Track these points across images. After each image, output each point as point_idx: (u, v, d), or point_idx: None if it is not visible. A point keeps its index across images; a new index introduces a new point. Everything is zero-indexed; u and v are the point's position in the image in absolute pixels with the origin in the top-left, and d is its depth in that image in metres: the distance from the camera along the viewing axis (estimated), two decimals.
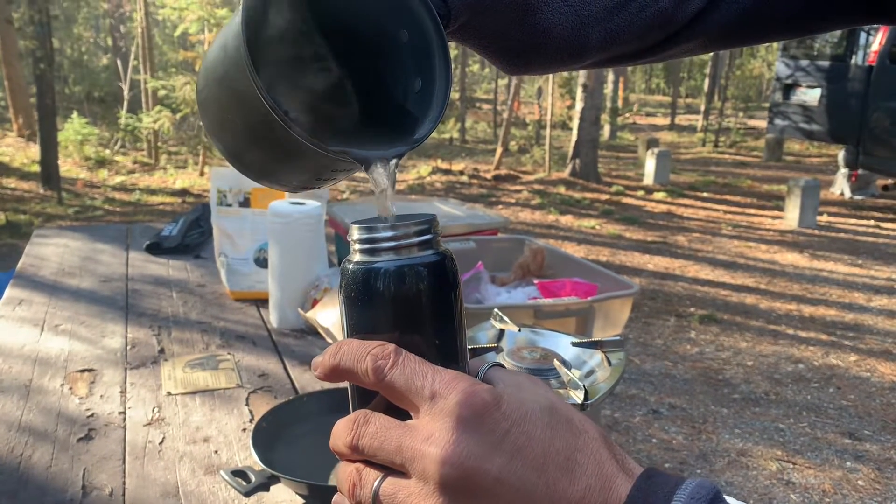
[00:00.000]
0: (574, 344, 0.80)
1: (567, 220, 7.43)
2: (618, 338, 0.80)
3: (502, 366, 0.42)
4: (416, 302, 0.40)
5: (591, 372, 0.76)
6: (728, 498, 0.36)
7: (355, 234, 0.41)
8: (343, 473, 0.39)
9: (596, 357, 0.79)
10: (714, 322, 4.41)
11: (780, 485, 2.67)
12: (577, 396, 0.69)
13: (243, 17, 0.42)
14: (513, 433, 0.35)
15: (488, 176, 9.74)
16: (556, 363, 0.73)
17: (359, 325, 0.41)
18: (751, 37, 0.62)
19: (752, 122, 16.52)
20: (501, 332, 0.84)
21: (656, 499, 0.34)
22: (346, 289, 0.41)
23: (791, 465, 2.82)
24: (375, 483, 0.37)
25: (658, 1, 0.56)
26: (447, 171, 10.03)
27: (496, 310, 0.87)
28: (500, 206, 7.93)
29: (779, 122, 9.09)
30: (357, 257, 0.41)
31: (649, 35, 0.58)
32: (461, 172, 9.95)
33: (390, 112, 0.50)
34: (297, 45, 0.49)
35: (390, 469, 0.37)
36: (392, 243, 0.40)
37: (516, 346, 0.79)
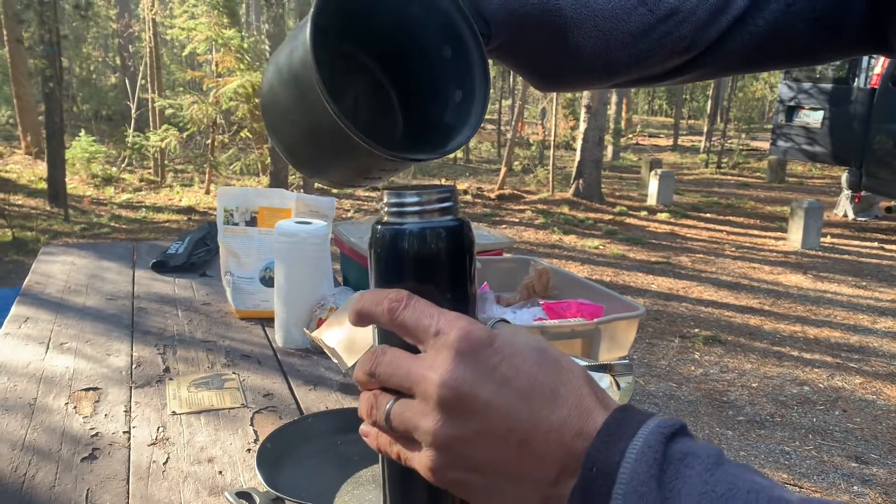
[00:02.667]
0: (584, 367, 0.80)
1: (570, 239, 7.43)
2: (626, 361, 0.80)
3: (508, 322, 0.46)
4: (435, 260, 0.46)
5: None
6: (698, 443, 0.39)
7: (385, 198, 0.47)
8: (363, 399, 0.45)
9: (605, 381, 0.79)
10: (718, 343, 4.39)
11: None
12: None
13: (311, 36, 0.48)
14: (503, 365, 0.40)
15: (492, 195, 9.76)
16: None
17: (384, 278, 0.47)
18: (763, 64, 0.64)
19: (754, 144, 16.56)
20: None
21: (628, 427, 0.38)
22: (374, 247, 0.47)
23: (797, 489, 2.79)
24: (388, 404, 0.43)
25: (679, 28, 0.60)
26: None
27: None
28: (504, 226, 7.94)
29: (782, 143, 9.10)
30: (386, 219, 0.47)
31: (671, 59, 0.62)
32: (465, 192, 9.98)
33: (433, 119, 0.57)
34: (353, 61, 0.57)
35: (400, 394, 0.43)
36: (417, 208, 0.46)
37: None
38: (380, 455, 0.48)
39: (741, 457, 3.03)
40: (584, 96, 9.42)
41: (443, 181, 10.64)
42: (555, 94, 10.48)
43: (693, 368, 4.00)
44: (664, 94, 29.71)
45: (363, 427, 0.47)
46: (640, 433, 0.37)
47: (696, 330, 4.64)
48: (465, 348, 0.40)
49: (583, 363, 0.82)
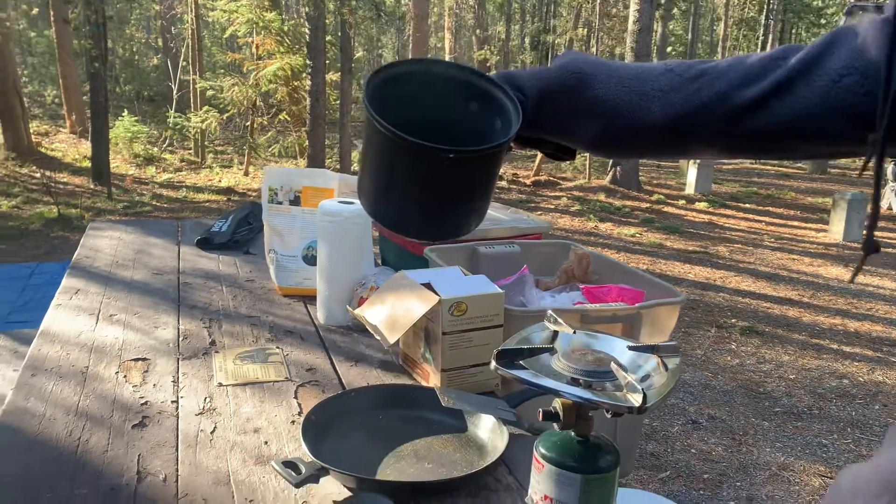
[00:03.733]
0: (630, 348, 0.80)
1: (607, 227, 7.38)
2: (673, 343, 0.80)
3: None
4: None
5: (646, 376, 0.76)
6: None
7: None
8: None
9: (651, 362, 0.79)
10: (755, 334, 4.34)
11: None
12: (635, 400, 0.69)
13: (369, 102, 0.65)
14: None
15: (528, 181, 9.72)
16: (613, 366, 0.74)
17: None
18: (828, 131, 0.64)
19: None
20: (555, 333, 0.84)
21: None
22: None
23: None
24: None
25: (712, 85, 0.65)
26: None
27: (550, 311, 0.87)
28: (539, 212, 7.90)
29: None
30: None
31: (711, 112, 0.65)
32: (500, 178, 9.94)
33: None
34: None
35: None
36: None
37: (571, 348, 0.80)
38: None
39: (777, 448, 3.00)
40: None
41: None
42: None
43: (729, 359, 3.96)
44: None
45: None
46: None
47: (733, 320, 4.58)
48: None
49: (629, 344, 0.82)
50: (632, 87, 0.67)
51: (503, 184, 9.55)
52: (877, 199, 0.64)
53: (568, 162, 11.16)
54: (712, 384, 3.60)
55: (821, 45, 0.62)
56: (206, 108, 10.11)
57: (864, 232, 0.61)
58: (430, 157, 0.63)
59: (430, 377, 1.30)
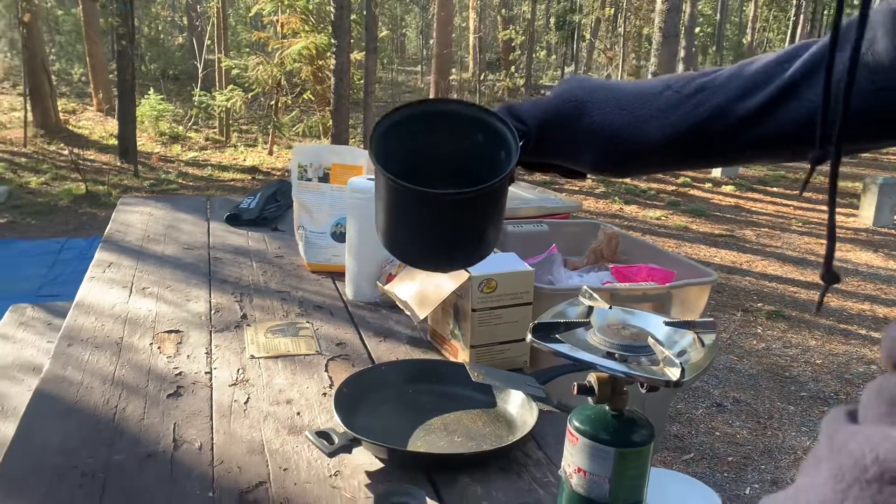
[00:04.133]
0: (667, 323, 0.80)
1: (632, 209, 7.33)
2: (710, 319, 0.80)
3: None
4: None
5: (682, 352, 0.76)
6: None
7: None
8: None
9: (688, 338, 0.79)
10: (782, 318, 4.30)
11: None
12: (673, 374, 0.69)
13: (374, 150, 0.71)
14: None
15: None
16: (651, 341, 0.74)
17: None
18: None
19: None
20: (590, 309, 0.84)
21: None
22: None
23: None
24: None
25: (712, 98, 0.64)
26: None
27: (585, 287, 0.87)
28: (564, 194, 7.86)
29: None
30: None
31: (710, 127, 0.65)
32: None
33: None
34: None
35: None
36: None
37: (606, 323, 0.80)
38: None
39: (802, 432, 2.98)
40: (651, 63, 9.18)
41: None
42: (620, 61, 10.24)
43: (755, 342, 3.93)
44: (732, 63, 28.69)
45: None
46: None
47: (760, 304, 4.54)
48: None
49: (665, 320, 0.82)
50: (629, 110, 0.68)
51: None
52: (832, 224, 0.61)
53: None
54: (737, 368, 3.58)
55: (827, 41, 0.60)
56: (230, 86, 10.14)
57: (824, 261, 0.57)
58: (429, 200, 0.69)
59: (459, 353, 1.30)
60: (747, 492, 2.54)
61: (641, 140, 0.68)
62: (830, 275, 0.61)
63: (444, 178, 0.73)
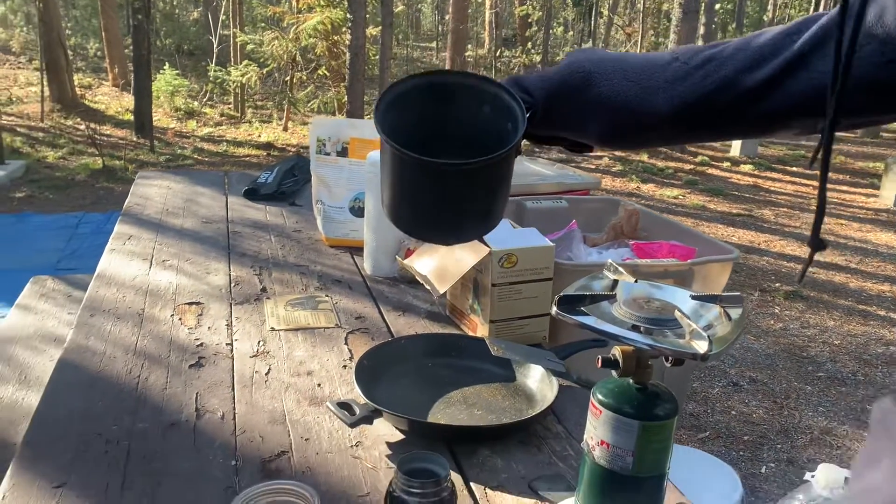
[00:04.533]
0: (693, 297, 0.79)
1: (649, 188, 7.27)
2: (738, 294, 0.79)
3: None
4: None
5: (709, 326, 0.75)
6: None
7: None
8: None
9: (713, 311, 0.78)
10: (800, 298, 4.27)
11: None
12: (700, 347, 0.68)
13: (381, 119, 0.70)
14: None
15: None
16: (677, 314, 0.73)
17: None
18: (844, 107, 0.61)
19: None
20: (615, 282, 0.83)
21: None
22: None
23: None
24: None
25: (720, 70, 0.64)
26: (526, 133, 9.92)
27: (610, 261, 0.86)
28: (581, 172, 7.81)
29: None
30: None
31: (717, 99, 0.64)
32: None
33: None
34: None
35: None
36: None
37: (632, 297, 0.79)
38: None
39: (819, 412, 2.97)
40: (671, 40, 9.06)
41: None
42: (639, 38, 10.12)
43: (772, 322, 3.91)
44: None
45: None
46: None
47: (777, 284, 4.51)
48: None
49: (691, 294, 0.81)
50: (637, 81, 0.67)
51: None
52: (823, 190, 0.61)
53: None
54: (754, 347, 3.56)
55: (836, 14, 0.59)
56: (245, 62, 10.11)
57: (812, 228, 0.58)
58: (434, 170, 0.68)
59: (478, 328, 1.30)
60: (763, 470, 2.54)
61: (649, 111, 0.67)
62: (817, 241, 0.61)
63: (450, 149, 0.72)
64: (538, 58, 14.34)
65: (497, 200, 0.75)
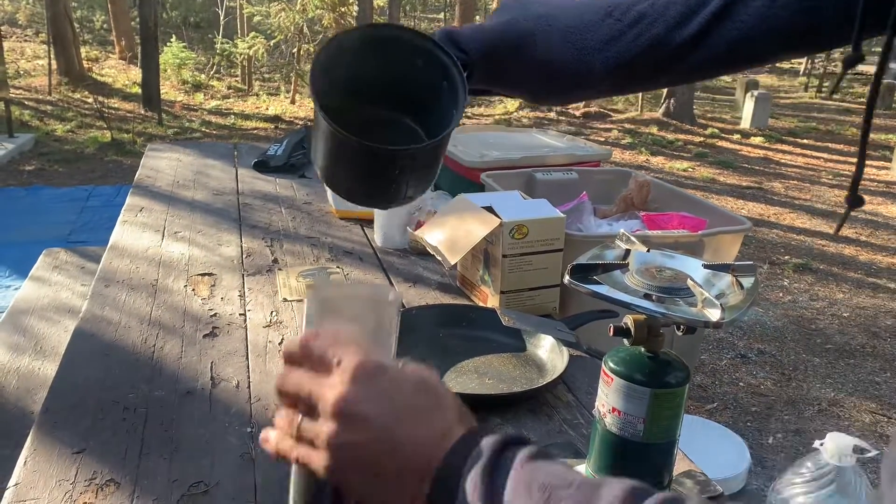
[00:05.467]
0: (705, 266, 0.79)
1: (658, 161, 7.23)
2: (750, 262, 0.79)
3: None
4: None
5: (721, 294, 0.76)
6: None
7: None
8: (282, 418, 0.53)
9: (726, 280, 0.78)
10: (809, 271, 4.26)
11: (874, 437, 2.60)
12: (713, 315, 0.68)
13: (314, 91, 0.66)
14: (387, 390, 0.49)
15: (577, 113, 9.53)
16: (690, 282, 0.73)
17: None
18: (762, 54, 0.66)
19: (861, 67, 15.46)
20: (627, 251, 0.83)
21: (474, 439, 0.48)
22: None
23: (885, 419, 2.74)
24: (299, 420, 0.51)
25: (651, 28, 0.66)
26: (534, 107, 9.86)
27: (622, 230, 0.86)
28: (591, 144, 7.76)
29: (894, 66, 8.48)
30: None
31: (650, 57, 0.67)
32: (549, 108, 9.76)
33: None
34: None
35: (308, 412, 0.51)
36: None
37: (644, 266, 0.79)
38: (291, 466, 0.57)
39: (827, 384, 2.98)
40: None
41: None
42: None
43: (781, 295, 3.90)
44: None
45: (263, 434, 0.55)
46: (482, 443, 0.47)
47: (787, 257, 4.50)
48: (359, 374, 0.49)
49: (703, 263, 0.81)
50: (573, 43, 0.68)
51: (552, 115, 9.39)
52: (864, 143, 0.61)
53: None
54: (763, 319, 3.56)
55: None
56: (252, 34, 10.06)
57: (851, 182, 0.59)
58: (376, 152, 0.67)
59: (489, 299, 1.31)
60: (770, 441, 2.56)
61: (586, 74, 0.69)
62: (856, 197, 0.61)
63: (385, 103, 0.73)
64: None
65: (436, 166, 0.74)
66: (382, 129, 0.74)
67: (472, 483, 0.46)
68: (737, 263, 0.79)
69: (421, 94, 0.71)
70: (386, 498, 0.49)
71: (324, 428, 0.49)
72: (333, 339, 0.52)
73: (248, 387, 1.03)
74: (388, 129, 0.75)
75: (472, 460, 0.47)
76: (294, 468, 0.58)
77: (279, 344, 1.15)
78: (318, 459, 0.50)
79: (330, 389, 0.49)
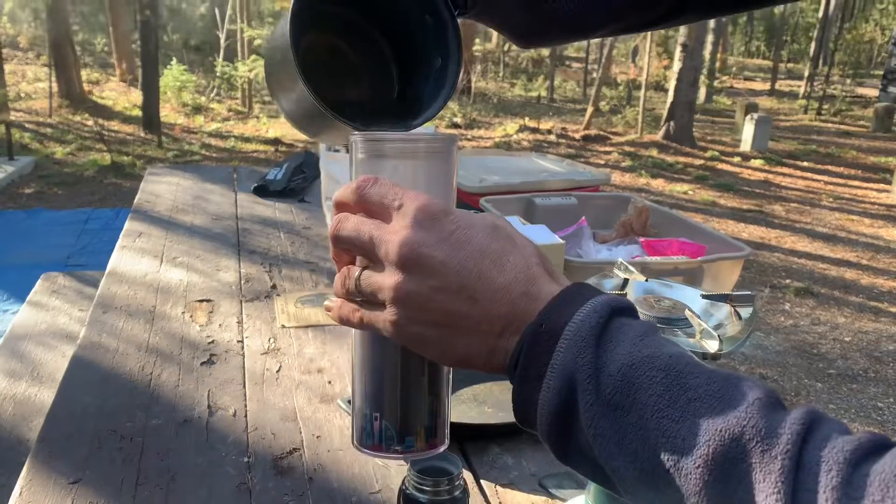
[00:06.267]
0: (703, 296, 0.79)
1: (658, 183, 7.25)
2: (748, 293, 0.79)
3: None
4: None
5: (719, 325, 0.75)
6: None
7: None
8: (337, 278, 0.50)
9: (724, 310, 0.78)
10: (810, 295, 4.25)
11: None
12: (711, 346, 0.68)
13: (291, 25, 0.53)
14: (457, 233, 0.45)
15: (577, 136, 9.57)
16: (688, 313, 0.73)
17: None
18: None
19: (860, 90, 15.59)
20: (626, 281, 0.83)
21: (581, 297, 0.43)
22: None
23: None
24: (357, 272, 0.48)
25: None
26: (534, 130, 9.91)
27: (620, 259, 0.86)
28: (591, 168, 7.79)
29: (893, 89, 8.54)
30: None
31: (651, 10, 0.61)
32: (549, 131, 9.81)
33: (416, 91, 0.61)
34: (333, 44, 0.62)
35: (368, 265, 0.48)
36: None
37: (643, 296, 0.79)
38: (354, 342, 0.53)
39: (830, 409, 2.96)
40: (681, 34, 9.02)
41: (525, 120, 10.48)
42: (649, 32, 10.09)
43: (783, 319, 3.89)
44: (763, 34, 28.17)
45: (327, 303, 0.51)
46: (589, 302, 0.43)
47: (788, 281, 4.49)
48: (424, 217, 0.44)
49: (701, 293, 0.81)
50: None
51: (551, 137, 9.43)
52: None
53: (619, 116, 10.85)
54: (764, 344, 3.55)
55: None
56: (253, 56, 10.13)
57: None
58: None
59: None
60: None
61: (584, 26, 0.62)
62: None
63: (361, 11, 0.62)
64: (547, 52, 14.29)
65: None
66: (351, 53, 0.63)
67: (577, 346, 0.41)
68: (735, 294, 0.78)
69: (405, 20, 0.62)
70: (465, 353, 0.45)
71: (388, 279, 0.45)
72: (392, 183, 0.47)
73: (245, 416, 1.02)
74: (358, 53, 0.63)
75: (577, 318, 0.42)
76: (357, 340, 0.53)
77: (276, 371, 1.15)
78: (383, 317, 0.46)
79: (393, 234, 0.45)
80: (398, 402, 0.54)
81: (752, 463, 0.35)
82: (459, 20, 0.61)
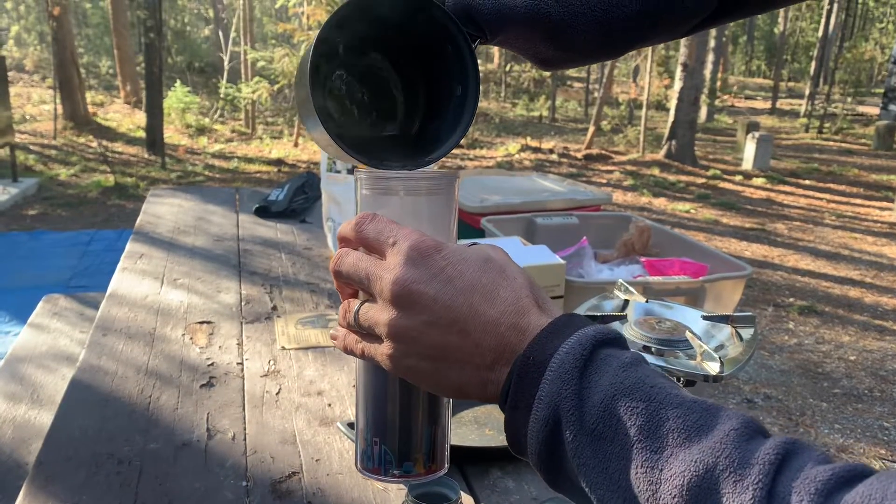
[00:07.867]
0: (704, 317, 0.78)
1: (660, 202, 7.25)
2: (749, 313, 0.78)
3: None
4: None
5: (720, 346, 0.75)
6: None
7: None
8: (340, 309, 0.52)
9: (725, 331, 0.77)
10: (814, 314, 4.23)
11: None
12: (712, 368, 0.67)
13: (314, 47, 0.53)
14: (448, 268, 0.46)
15: (578, 155, 9.60)
16: (689, 335, 0.72)
17: None
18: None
19: (860, 109, 15.63)
20: (626, 302, 0.83)
21: (567, 329, 0.44)
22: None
23: (895, 465, 2.69)
24: (357, 306, 0.50)
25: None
26: (536, 149, 9.94)
27: (621, 280, 0.86)
28: (592, 188, 7.80)
29: (894, 108, 8.56)
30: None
31: (677, 30, 0.61)
32: (551, 151, 9.84)
33: (432, 126, 0.60)
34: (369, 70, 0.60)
35: (367, 299, 0.50)
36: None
37: (643, 318, 0.78)
38: (357, 368, 0.56)
39: (836, 429, 2.93)
40: (681, 53, 9.07)
41: (527, 140, 10.52)
42: (649, 52, 10.14)
43: (787, 338, 3.87)
44: (763, 54, 28.33)
45: (333, 332, 0.54)
46: (576, 334, 0.44)
47: (791, 299, 4.47)
48: (416, 254, 0.46)
49: (702, 314, 0.80)
50: (602, 24, 0.59)
51: (553, 157, 9.46)
52: None
53: (621, 135, 10.89)
54: (768, 363, 3.53)
55: None
56: (256, 78, 10.19)
57: None
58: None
59: None
60: None
61: (612, 49, 0.61)
62: None
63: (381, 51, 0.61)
64: (548, 73, 14.36)
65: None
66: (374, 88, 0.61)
67: (562, 378, 0.42)
68: (736, 314, 0.78)
69: (419, 50, 0.60)
70: (458, 384, 0.47)
71: (383, 314, 0.47)
72: (388, 221, 0.49)
73: (244, 439, 1.01)
74: (379, 91, 0.62)
75: (562, 350, 0.43)
76: (359, 367, 0.55)
77: (276, 394, 1.14)
78: (381, 350, 0.48)
79: (386, 271, 0.47)
80: (397, 429, 0.55)
81: (725, 493, 0.36)
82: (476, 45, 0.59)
